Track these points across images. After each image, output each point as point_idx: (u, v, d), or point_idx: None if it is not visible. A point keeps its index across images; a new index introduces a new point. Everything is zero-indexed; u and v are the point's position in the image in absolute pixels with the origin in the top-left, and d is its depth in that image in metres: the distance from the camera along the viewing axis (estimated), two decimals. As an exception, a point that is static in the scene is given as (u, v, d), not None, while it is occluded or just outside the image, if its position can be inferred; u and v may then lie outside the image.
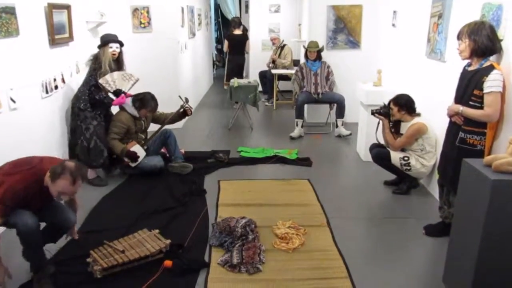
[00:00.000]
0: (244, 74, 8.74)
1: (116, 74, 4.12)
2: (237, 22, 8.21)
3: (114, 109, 4.45)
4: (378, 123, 4.08)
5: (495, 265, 2.20)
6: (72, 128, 4.14)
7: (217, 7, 12.27)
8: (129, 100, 4.27)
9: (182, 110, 4.62)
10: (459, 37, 2.82)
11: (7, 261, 2.84)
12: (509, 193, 2.09)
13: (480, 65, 2.77)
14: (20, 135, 3.47)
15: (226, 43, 8.23)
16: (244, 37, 8.29)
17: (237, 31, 8.13)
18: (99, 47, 4.18)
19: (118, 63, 4.28)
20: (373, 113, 4.04)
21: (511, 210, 2.11)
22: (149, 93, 4.35)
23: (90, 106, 4.05)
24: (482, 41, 2.69)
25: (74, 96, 4.14)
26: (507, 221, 2.12)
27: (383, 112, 3.96)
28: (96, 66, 4.09)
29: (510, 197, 2.09)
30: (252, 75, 9.34)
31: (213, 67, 11.71)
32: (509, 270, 2.21)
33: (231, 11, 11.35)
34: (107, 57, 4.12)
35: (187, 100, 4.66)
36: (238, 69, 8.12)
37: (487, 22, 2.77)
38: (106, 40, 4.15)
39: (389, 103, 3.91)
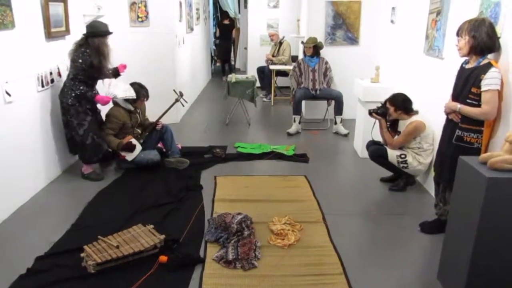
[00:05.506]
0: (232, 55, 11.74)
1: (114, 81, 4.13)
2: (226, 15, 11.03)
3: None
4: (374, 122, 4.06)
5: (490, 262, 2.20)
6: (64, 122, 4.00)
7: (216, 2, 12.18)
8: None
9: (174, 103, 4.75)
10: (458, 33, 2.80)
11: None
12: (505, 191, 2.09)
13: (478, 63, 2.75)
14: (15, 128, 3.46)
15: (217, 30, 11.05)
16: (231, 26, 10.94)
17: (226, 21, 10.88)
18: (97, 35, 3.86)
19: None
20: (370, 113, 4.02)
21: (506, 208, 2.10)
22: (135, 83, 4.33)
23: (77, 101, 3.88)
24: (481, 38, 2.67)
25: (60, 91, 3.95)
26: (502, 218, 2.12)
27: (380, 112, 3.94)
28: (83, 57, 3.81)
29: (505, 194, 2.09)
30: (250, 70, 9.32)
31: (211, 62, 11.62)
32: (504, 267, 2.21)
33: (230, 6, 11.30)
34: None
35: (181, 94, 4.70)
36: (226, 50, 10.94)
37: (488, 19, 2.75)
38: (107, 31, 3.93)
39: (385, 103, 3.90)
